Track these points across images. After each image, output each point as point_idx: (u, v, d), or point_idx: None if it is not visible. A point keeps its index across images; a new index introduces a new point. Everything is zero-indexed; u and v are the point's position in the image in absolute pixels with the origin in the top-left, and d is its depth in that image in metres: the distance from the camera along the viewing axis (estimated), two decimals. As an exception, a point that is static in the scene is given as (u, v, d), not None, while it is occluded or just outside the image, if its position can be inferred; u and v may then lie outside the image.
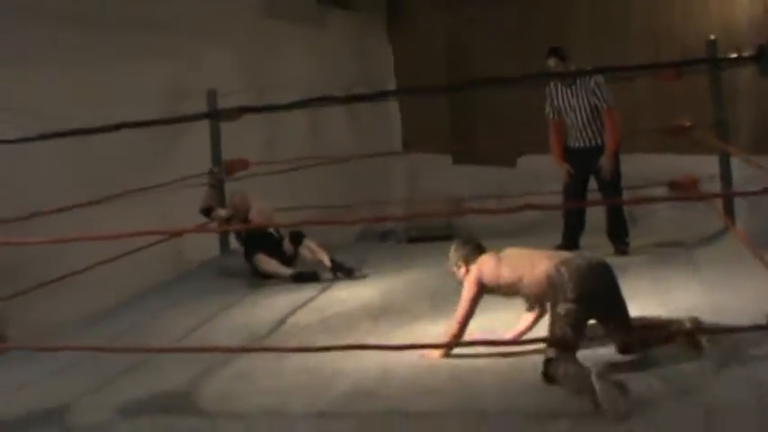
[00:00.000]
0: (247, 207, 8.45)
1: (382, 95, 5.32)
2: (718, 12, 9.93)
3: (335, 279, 8.05)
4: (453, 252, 5.64)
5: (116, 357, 5.78)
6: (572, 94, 7.86)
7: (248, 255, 8.40)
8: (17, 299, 6.80)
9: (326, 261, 8.19)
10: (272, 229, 8.43)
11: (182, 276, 8.89)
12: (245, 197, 8.56)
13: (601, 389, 4.35)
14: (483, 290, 5.39)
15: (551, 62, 7.82)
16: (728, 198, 8.22)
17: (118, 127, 4.47)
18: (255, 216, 8.36)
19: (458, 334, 5.41)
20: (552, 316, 4.92)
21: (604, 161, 7.78)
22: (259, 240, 8.38)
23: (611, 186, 7.91)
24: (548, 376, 4.75)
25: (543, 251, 5.39)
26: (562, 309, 4.82)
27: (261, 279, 8.29)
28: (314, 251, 8.29)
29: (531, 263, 5.14)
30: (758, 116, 9.60)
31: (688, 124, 8.04)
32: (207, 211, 8.55)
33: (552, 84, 7.98)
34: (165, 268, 8.98)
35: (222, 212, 8.53)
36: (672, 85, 8.86)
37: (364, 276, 8.09)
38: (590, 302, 4.87)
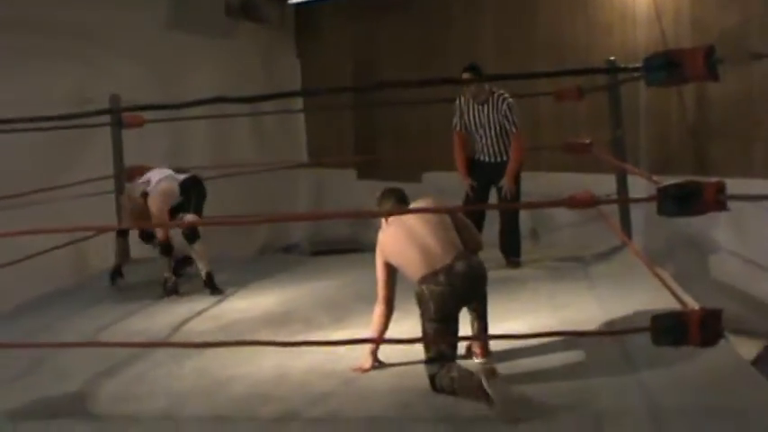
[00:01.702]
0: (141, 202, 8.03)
1: (280, 96, 5.30)
2: (619, 36, 10.18)
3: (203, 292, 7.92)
4: (377, 204, 5.60)
5: (10, 360, 5.70)
6: (483, 112, 7.93)
7: None
8: None
9: (203, 271, 7.99)
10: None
11: (82, 284, 8.77)
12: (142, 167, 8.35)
13: (492, 391, 4.42)
14: (390, 264, 5.29)
15: (466, 75, 7.81)
16: (625, 216, 8.41)
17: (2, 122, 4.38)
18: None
19: (378, 321, 5.30)
20: (423, 331, 5.01)
21: (505, 182, 7.89)
22: None
23: (509, 212, 8.08)
24: (437, 390, 4.84)
25: (435, 239, 5.10)
26: (429, 328, 4.95)
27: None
28: (199, 258, 8.04)
29: (411, 255, 5.09)
30: (658, 137, 9.86)
31: (587, 142, 8.19)
32: (146, 236, 8.36)
33: (464, 99, 8.03)
34: (65, 275, 8.87)
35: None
36: (573, 105, 9.03)
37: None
38: (454, 318, 5.00)
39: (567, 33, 10.77)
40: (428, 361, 4.92)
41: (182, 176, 8.10)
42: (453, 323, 5.00)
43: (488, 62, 11.09)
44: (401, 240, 5.18)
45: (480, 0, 11.66)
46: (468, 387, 4.63)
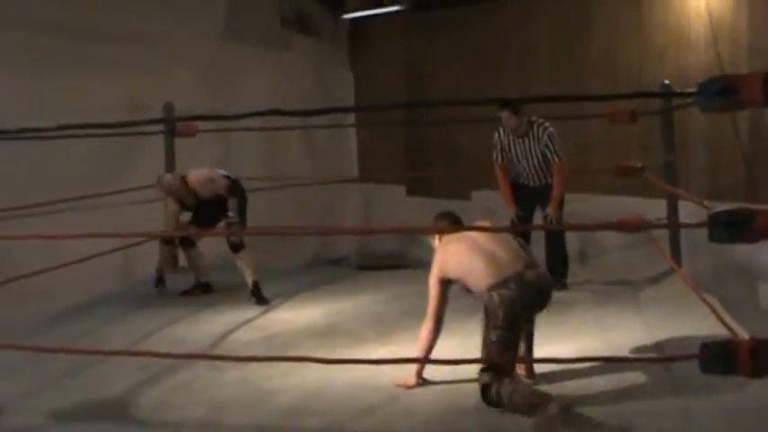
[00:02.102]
0: (178, 183, 8.15)
1: (335, 111, 5.32)
2: (674, 59, 10.09)
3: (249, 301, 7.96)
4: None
5: (57, 363, 5.73)
6: (524, 144, 7.85)
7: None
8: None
9: (250, 281, 8.03)
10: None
11: (129, 289, 8.84)
12: (174, 176, 8.31)
13: (541, 410, 4.41)
14: (446, 281, 5.26)
15: (504, 114, 7.74)
16: (675, 241, 8.32)
17: (59, 128, 4.45)
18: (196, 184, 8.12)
19: (426, 337, 5.26)
20: (484, 340, 4.94)
21: (550, 209, 7.83)
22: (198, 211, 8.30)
23: (555, 232, 8.02)
24: (488, 401, 4.79)
25: (501, 249, 5.11)
26: (494, 335, 4.88)
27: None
28: (244, 266, 8.06)
29: (478, 266, 5.06)
30: (710, 162, 9.76)
31: (638, 165, 8.12)
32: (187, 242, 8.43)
33: (503, 133, 7.95)
34: (113, 280, 8.95)
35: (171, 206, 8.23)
36: (625, 128, 8.95)
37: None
38: (519, 327, 4.97)
39: (622, 53, 10.70)
40: (485, 369, 4.84)
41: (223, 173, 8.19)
42: (517, 333, 4.96)
43: (542, 77, 11.08)
44: (466, 253, 5.15)
45: (535, 14, 11.61)
46: (534, 403, 4.56)
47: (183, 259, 8.74)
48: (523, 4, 11.69)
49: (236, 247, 8.00)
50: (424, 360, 5.25)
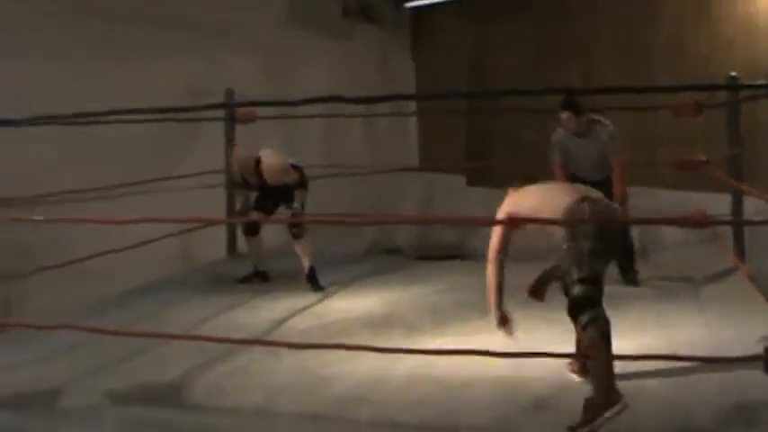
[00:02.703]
0: (252, 165, 8.24)
1: (396, 98, 5.24)
2: (742, 50, 9.91)
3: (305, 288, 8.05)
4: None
5: (115, 344, 5.78)
6: (584, 143, 7.76)
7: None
8: (25, 284, 6.83)
9: (306, 267, 8.11)
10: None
11: (187, 274, 8.90)
12: (248, 156, 8.32)
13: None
14: (513, 220, 4.94)
15: (564, 115, 7.67)
16: (739, 238, 8.17)
17: (114, 112, 4.47)
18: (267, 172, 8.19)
19: (493, 277, 5.04)
20: (570, 253, 4.60)
21: None
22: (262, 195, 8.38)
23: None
24: (581, 318, 4.47)
25: (568, 188, 5.10)
26: (585, 246, 4.55)
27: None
28: (302, 252, 8.13)
29: (554, 193, 4.92)
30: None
31: (703, 159, 7.97)
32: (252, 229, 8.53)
33: (562, 133, 7.84)
34: (171, 265, 9.01)
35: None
36: (690, 120, 8.79)
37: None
38: (608, 243, 4.69)
39: (689, 43, 10.56)
40: (582, 281, 4.48)
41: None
42: (606, 250, 4.67)
43: (606, 67, 10.93)
44: (538, 191, 5.02)
45: (600, 3, 11.48)
46: (609, 385, 4.36)
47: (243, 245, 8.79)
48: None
49: (298, 235, 8.04)
50: (498, 298, 5.06)
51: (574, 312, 4.51)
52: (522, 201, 5.03)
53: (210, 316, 7.09)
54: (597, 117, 7.75)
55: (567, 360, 5.25)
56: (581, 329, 4.51)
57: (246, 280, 8.41)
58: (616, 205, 5.14)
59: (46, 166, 8.04)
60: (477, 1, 12.46)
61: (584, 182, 7.75)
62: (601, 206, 4.81)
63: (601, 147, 7.69)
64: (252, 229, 8.40)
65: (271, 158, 8.18)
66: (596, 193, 4.95)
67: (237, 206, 8.81)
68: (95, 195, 7.84)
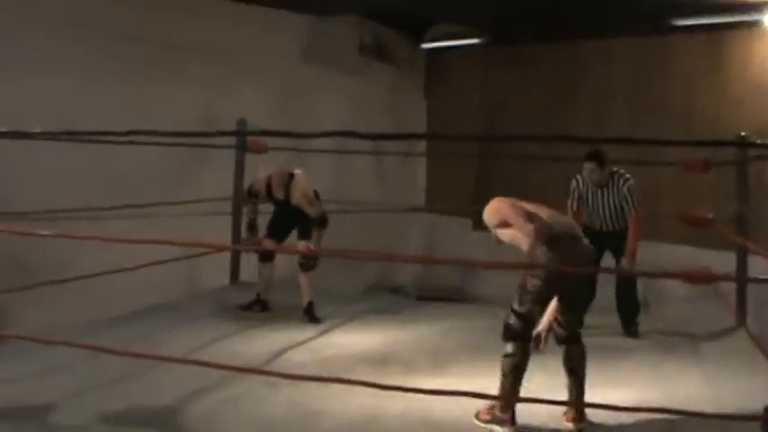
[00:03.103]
0: (286, 173, 8.22)
1: (406, 137, 5.29)
2: (750, 110, 9.95)
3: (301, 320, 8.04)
4: None
5: (111, 364, 5.78)
6: (603, 194, 7.78)
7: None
8: (28, 299, 6.85)
9: (306, 300, 8.11)
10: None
11: (188, 299, 8.91)
12: (282, 179, 8.23)
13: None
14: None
15: (588, 166, 7.69)
16: (741, 296, 8.15)
17: (130, 133, 4.49)
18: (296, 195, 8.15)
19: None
20: (521, 285, 5.08)
21: (625, 262, 7.71)
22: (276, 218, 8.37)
23: (629, 277, 7.90)
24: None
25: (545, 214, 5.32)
26: (531, 284, 5.02)
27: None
28: (305, 285, 8.13)
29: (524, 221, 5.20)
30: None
31: (709, 216, 7.98)
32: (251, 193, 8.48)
33: (582, 182, 7.86)
34: (173, 289, 9.02)
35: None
36: (698, 177, 8.81)
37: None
38: (557, 285, 5.05)
39: (698, 102, 10.60)
40: (517, 314, 5.07)
41: None
42: (552, 290, 5.10)
43: (616, 121, 10.96)
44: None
45: (613, 58, 11.54)
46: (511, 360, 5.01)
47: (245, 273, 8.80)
48: (602, 47, 11.62)
49: (308, 268, 8.08)
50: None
51: (502, 338, 5.11)
52: (520, 203, 5.41)
53: (208, 342, 7.07)
54: (617, 169, 7.78)
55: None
56: (502, 356, 5.08)
57: (248, 307, 8.39)
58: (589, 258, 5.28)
59: (56, 182, 8.10)
60: (492, 46, 12.51)
61: (599, 233, 7.81)
62: (575, 255, 5.11)
63: (619, 199, 7.72)
64: (267, 255, 8.39)
65: (303, 179, 8.19)
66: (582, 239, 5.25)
67: (244, 221, 8.61)
68: (100, 215, 7.86)
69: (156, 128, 5.12)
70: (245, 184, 8.96)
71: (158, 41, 9.39)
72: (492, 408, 5.13)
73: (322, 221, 8.09)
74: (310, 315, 8.04)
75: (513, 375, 5.02)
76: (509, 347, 5.06)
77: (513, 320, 5.07)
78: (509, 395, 5.01)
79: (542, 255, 4.99)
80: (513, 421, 5.03)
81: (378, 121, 11.78)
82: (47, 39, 8.50)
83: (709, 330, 8.02)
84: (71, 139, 6.07)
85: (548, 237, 5.01)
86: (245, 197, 8.57)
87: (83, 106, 8.46)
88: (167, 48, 9.49)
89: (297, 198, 8.12)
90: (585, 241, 5.25)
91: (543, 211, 5.27)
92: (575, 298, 5.24)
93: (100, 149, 7.41)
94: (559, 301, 5.18)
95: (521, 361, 5.04)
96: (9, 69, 8.21)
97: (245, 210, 8.60)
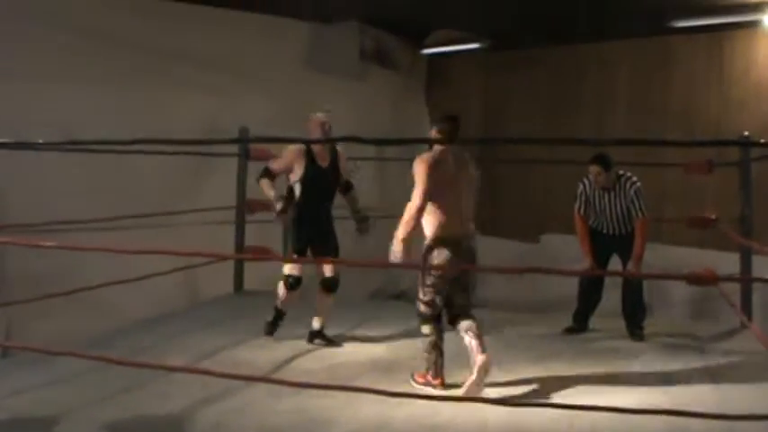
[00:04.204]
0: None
1: (411, 141, 5.40)
2: (753, 111, 9.95)
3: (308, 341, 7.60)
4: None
5: (117, 374, 5.80)
6: (609, 197, 7.77)
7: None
8: (34, 310, 6.85)
9: (317, 324, 7.65)
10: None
11: (193, 308, 8.90)
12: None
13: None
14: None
15: (594, 169, 7.69)
16: (746, 297, 8.15)
17: (134, 141, 4.49)
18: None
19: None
20: (420, 279, 6.16)
21: (631, 266, 7.70)
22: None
23: (634, 280, 7.89)
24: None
25: (457, 202, 6.37)
26: (429, 279, 6.08)
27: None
28: (324, 309, 7.67)
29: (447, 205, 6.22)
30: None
31: (713, 217, 7.98)
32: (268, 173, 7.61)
33: (588, 185, 7.87)
34: (178, 298, 9.02)
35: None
36: (701, 178, 8.82)
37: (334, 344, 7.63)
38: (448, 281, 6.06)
39: (700, 104, 10.61)
40: (424, 303, 6.13)
41: None
42: (445, 284, 6.07)
43: (618, 123, 10.96)
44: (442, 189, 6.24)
45: (614, 61, 11.56)
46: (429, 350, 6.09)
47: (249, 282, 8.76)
48: (603, 50, 11.64)
49: (334, 287, 7.65)
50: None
51: (419, 324, 6.21)
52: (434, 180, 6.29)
53: (214, 351, 7.07)
54: (623, 172, 7.77)
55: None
56: (424, 338, 6.17)
57: (274, 324, 7.78)
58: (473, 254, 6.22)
59: (60, 193, 8.10)
60: (493, 51, 12.53)
61: (606, 236, 7.80)
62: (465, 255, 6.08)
63: (626, 202, 7.71)
64: (295, 285, 7.58)
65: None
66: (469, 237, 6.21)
67: (279, 205, 7.52)
68: (104, 225, 7.86)
69: (158, 137, 5.14)
70: (248, 193, 8.94)
71: (159, 50, 9.41)
72: (425, 374, 6.14)
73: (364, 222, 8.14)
74: (327, 338, 7.63)
75: (435, 350, 6.12)
76: (425, 329, 6.16)
77: (423, 308, 6.13)
78: (435, 365, 6.10)
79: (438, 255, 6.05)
80: (442, 383, 6.06)
81: (380, 127, 11.81)
82: (49, 48, 8.51)
83: (714, 331, 8.03)
84: (75, 148, 6.07)
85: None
86: (262, 174, 7.63)
87: (86, 116, 8.49)
88: (169, 57, 9.50)
89: (343, 164, 7.76)
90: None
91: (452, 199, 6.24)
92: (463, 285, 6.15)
93: (103, 159, 7.42)
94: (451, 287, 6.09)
95: (437, 338, 6.13)
96: (16, 79, 8.22)
97: (264, 185, 7.58)
